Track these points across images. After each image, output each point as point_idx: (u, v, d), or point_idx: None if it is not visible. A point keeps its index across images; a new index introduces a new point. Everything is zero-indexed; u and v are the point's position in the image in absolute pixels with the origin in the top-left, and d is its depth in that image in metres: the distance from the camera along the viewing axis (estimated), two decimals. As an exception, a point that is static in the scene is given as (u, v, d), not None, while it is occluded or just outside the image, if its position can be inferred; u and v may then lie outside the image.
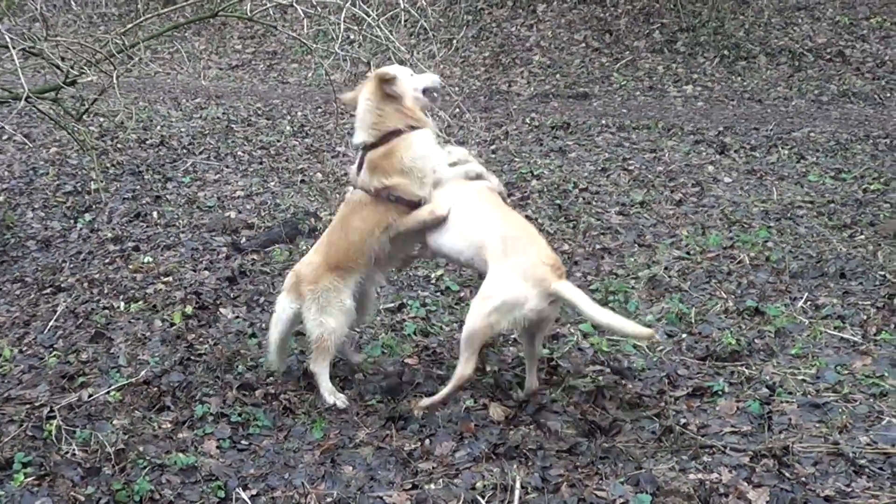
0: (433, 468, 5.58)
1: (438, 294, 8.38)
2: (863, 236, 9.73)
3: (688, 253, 9.36)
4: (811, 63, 18.52)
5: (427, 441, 5.86)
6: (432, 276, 8.72)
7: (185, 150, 12.98)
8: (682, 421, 6.04)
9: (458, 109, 12.91)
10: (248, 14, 9.52)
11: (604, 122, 15.04)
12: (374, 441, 5.92)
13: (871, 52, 18.77)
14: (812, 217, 10.38)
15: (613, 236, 9.86)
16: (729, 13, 20.09)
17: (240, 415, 6.18)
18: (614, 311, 7.21)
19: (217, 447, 5.85)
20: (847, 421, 5.97)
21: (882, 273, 8.51)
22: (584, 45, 19.91)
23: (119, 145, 13.10)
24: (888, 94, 17.30)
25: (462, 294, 8.36)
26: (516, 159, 12.85)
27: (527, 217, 10.19)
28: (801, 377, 6.65)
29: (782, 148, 13.38)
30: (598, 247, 9.53)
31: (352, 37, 9.35)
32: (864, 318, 7.63)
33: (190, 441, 5.88)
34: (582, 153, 13.29)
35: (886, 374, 6.64)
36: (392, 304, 8.06)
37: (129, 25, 9.09)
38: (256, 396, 6.44)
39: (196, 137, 13.68)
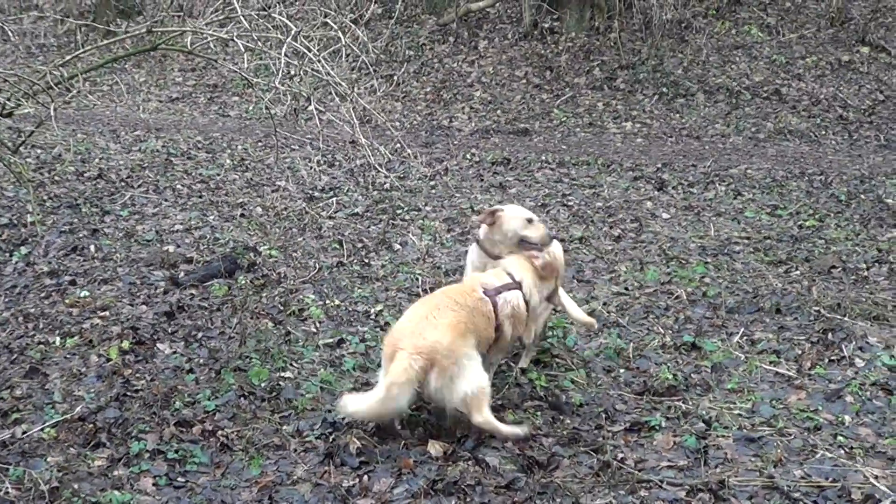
0: (371, 504, 5.58)
1: (378, 329, 8.35)
2: (798, 272, 9.88)
3: (626, 288, 9.44)
4: (748, 101, 18.79)
5: (365, 477, 5.84)
6: (372, 311, 8.72)
7: (123, 183, 12.89)
8: (620, 456, 6.08)
9: (398, 145, 12.96)
10: (189, 47, 9.49)
11: (544, 157, 15.14)
12: (311, 477, 5.89)
13: (806, 90, 19.08)
14: (748, 253, 10.52)
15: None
16: (668, 51, 20.36)
17: (176, 451, 6.13)
18: (552, 346, 7.30)
19: (153, 484, 5.80)
20: (782, 455, 6.05)
21: (816, 308, 8.63)
22: (524, 81, 20.07)
23: (56, 178, 12.98)
24: (823, 132, 17.60)
25: (402, 329, 8.35)
26: (457, 195, 12.91)
27: (466, 252, 10.28)
28: (736, 411, 6.74)
29: (719, 184, 13.56)
30: (537, 282, 9.58)
31: (292, 71, 9.34)
32: (799, 352, 7.75)
33: (126, 478, 5.82)
34: (522, 189, 13.38)
35: (820, 408, 6.75)
36: (331, 340, 8.02)
37: (68, 57, 9.02)
38: (193, 433, 6.38)
39: (135, 170, 13.59)
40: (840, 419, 6.61)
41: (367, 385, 7.20)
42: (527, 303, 6.77)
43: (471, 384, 6.11)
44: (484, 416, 6.13)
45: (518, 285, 6.74)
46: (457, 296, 6.56)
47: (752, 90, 19.10)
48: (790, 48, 20.52)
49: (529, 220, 6.99)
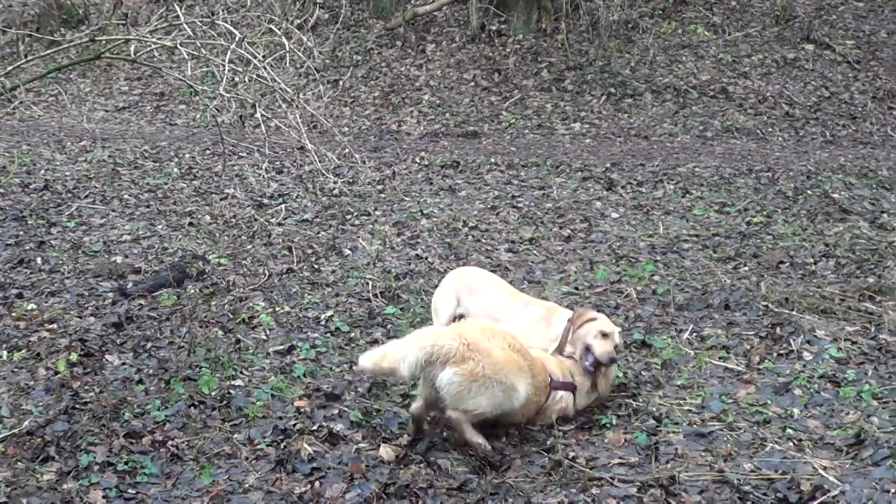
0: (324, 510, 5.58)
1: (328, 335, 8.36)
2: (746, 268, 9.99)
3: (576, 288, 9.50)
4: (695, 100, 18.95)
5: (317, 483, 5.83)
6: (322, 317, 8.71)
7: (69, 195, 12.79)
8: (571, 454, 6.12)
9: (347, 150, 12.95)
10: (133, 56, 9.45)
11: (493, 160, 15.19)
12: (263, 485, 5.87)
13: (753, 88, 19.28)
14: (697, 250, 10.62)
15: (503, 273, 9.93)
16: (615, 52, 20.48)
17: (126, 463, 6.08)
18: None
19: (103, 497, 5.75)
20: (732, 449, 6.12)
21: (765, 303, 8.73)
22: (473, 84, 20.12)
23: (1, 190, 12.87)
24: (770, 129, 17.80)
25: (352, 335, 8.37)
26: (406, 199, 12.92)
27: (417, 256, 10.30)
28: (687, 407, 6.80)
29: (668, 183, 13.66)
30: (487, 284, 9.60)
31: (237, 78, 9.33)
32: (748, 347, 7.84)
33: (75, 492, 5.77)
34: (471, 192, 13.41)
35: (769, 402, 6.83)
36: (281, 347, 8.01)
37: (10, 67, 8.97)
38: (143, 444, 6.34)
39: (81, 181, 13.49)
40: (789, 412, 6.68)
41: (316, 391, 7.20)
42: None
43: (481, 403, 6.15)
44: (458, 415, 6.18)
45: (573, 388, 6.78)
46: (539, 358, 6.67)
47: (700, 89, 19.27)
48: (736, 47, 20.72)
49: (605, 335, 6.92)
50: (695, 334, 8.20)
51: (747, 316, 8.57)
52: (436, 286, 8.38)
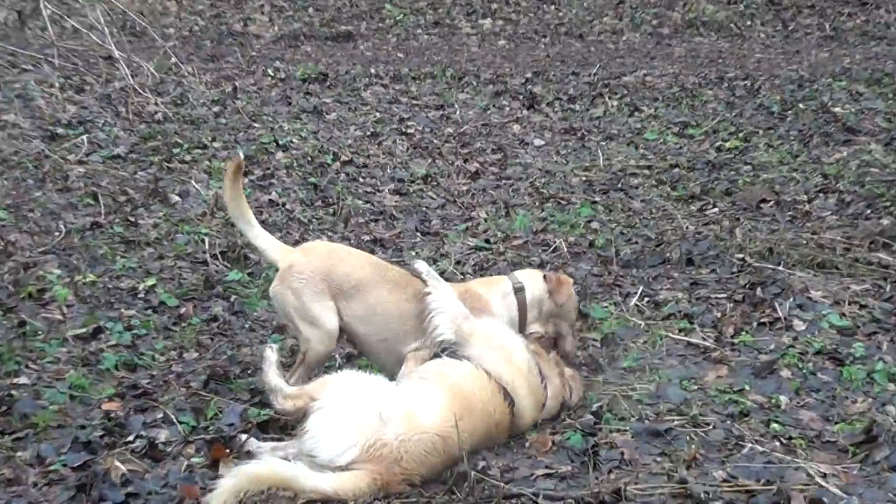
0: (141, 549, 5.53)
1: (150, 312, 8.28)
2: (716, 209, 10.08)
3: (487, 241, 9.51)
4: (647, -17, 19.10)
5: (134, 514, 5.78)
6: (140, 287, 8.62)
7: None
8: (481, 464, 6.08)
9: (172, 59, 12.81)
10: None
11: (373, 70, 15.17)
12: (59, 520, 5.81)
13: (725, -34, 19.46)
14: (650, 187, 10.70)
15: (388, 223, 9.95)
16: (536, -81, 20.51)
17: None
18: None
19: None
20: (697, 452, 6.12)
21: (741, 256, 8.80)
22: (345, -34, 20.07)
23: None
24: (748, 22, 18.00)
25: (183, 310, 8.29)
26: (255, 124, 12.84)
27: (270, 202, 10.25)
28: (636, 397, 6.81)
29: (610, 98, 13.74)
30: (366, 238, 9.58)
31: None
32: (718, 315, 7.89)
33: None
34: (344, 114, 13.37)
35: (748, 388, 6.86)
36: (83, 330, 7.89)
37: None
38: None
39: None
40: (774, 401, 6.73)
41: (133, 388, 7.11)
42: None
43: None
44: None
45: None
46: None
47: (653, -31, 19.42)
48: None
49: None
50: (646, 299, 8.26)
51: (717, 273, 8.65)
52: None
